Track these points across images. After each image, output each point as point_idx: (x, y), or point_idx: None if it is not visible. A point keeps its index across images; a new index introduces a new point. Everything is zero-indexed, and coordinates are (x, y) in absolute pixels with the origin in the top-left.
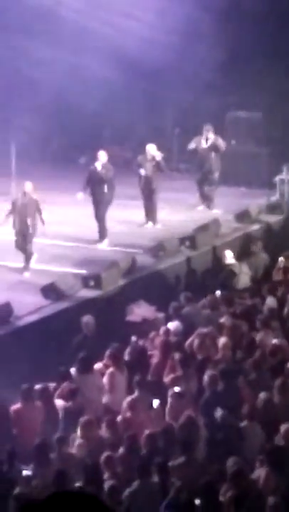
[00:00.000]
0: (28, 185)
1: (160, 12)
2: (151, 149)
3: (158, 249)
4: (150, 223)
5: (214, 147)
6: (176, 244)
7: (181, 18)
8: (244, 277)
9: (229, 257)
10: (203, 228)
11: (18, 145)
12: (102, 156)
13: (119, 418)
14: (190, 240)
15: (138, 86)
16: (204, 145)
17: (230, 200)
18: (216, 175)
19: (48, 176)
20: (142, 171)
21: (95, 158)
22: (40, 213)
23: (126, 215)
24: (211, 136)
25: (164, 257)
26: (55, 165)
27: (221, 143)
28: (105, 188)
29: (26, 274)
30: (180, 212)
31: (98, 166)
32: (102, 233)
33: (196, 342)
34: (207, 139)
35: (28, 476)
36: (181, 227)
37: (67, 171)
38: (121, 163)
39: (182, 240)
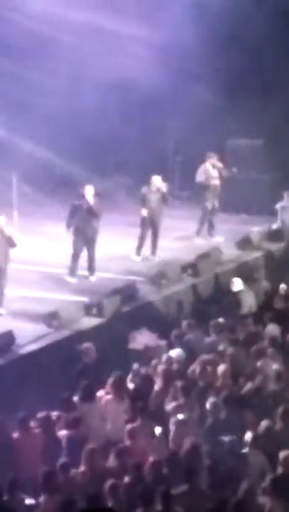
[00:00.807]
0: (2, 220)
1: (160, 42)
2: (157, 181)
3: (160, 276)
4: (145, 254)
5: (221, 175)
6: (178, 271)
7: (181, 47)
8: (252, 301)
9: (238, 284)
10: (205, 256)
11: (20, 173)
12: (90, 191)
13: (121, 446)
14: (192, 268)
15: (139, 114)
16: (214, 173)
17: (231, 227)
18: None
19: (48, 203)
20: (144, 212)
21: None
22: (13, 247)
23: (127, 243)
24: (219, 164)
25: (166, 285)
26: (56, 193)
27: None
28: (95, 223)
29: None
30: (181, 240)
31: (90, 199)
32: (94, 268)
33: (198, 369)
34: (214, 167)
35: (30, 505)
36: (182, 255)
37: (68, 199)
38: (122, 190)
39: (184, 268)
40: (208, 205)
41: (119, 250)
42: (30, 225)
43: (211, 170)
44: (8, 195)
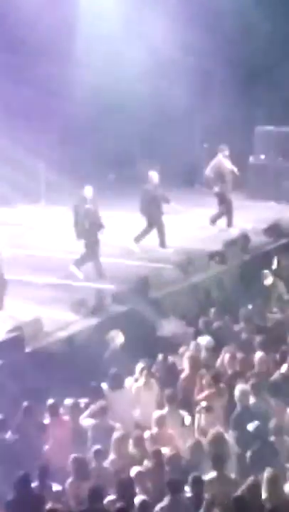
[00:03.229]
0: None
1: (186, 25)
2: (155, 176)
3: (187, 264)
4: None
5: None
6: (206, 259)
7: (207, 32)
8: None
9: (269, 278)
10: (233, 243)
11: (47, 162)
12: (89, 192)
13: (148, 434)
14: (219, 255)
15: (165, 99)
16: (229, 165)
17: (259, 214)
18: None
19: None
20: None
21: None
22: None
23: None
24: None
25: (194, 272)
26: (84, 180)
27: None
28: (95, 227)
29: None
30: (208, 228)
31: (90, 201)
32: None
33: (227, 357)
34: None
35: (58, 491)
36: (208, 243)
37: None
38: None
39: (211, 255)
40: (230, 196)
41: (146, 237)
42: (57, 213)
43: (225, 162)
44: (36, 184)
